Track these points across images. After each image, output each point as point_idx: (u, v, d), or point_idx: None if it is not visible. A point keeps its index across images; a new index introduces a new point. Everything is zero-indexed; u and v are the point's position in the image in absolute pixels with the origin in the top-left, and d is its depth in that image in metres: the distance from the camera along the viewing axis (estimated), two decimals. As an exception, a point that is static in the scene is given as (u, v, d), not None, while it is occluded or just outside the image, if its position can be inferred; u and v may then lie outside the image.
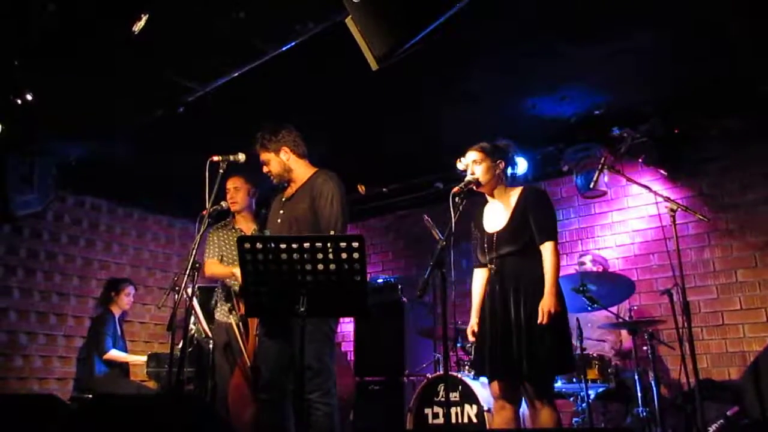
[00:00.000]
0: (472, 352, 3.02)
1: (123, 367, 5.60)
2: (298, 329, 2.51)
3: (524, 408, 3.25)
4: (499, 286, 3.11)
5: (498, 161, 3.24)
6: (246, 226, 4.42)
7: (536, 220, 3.11)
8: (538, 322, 2.89)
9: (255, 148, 3.48)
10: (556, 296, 2.95)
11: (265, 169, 3.50)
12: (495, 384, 3.11)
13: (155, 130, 4.60)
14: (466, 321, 3.39)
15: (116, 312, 5.71)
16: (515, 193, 3.24)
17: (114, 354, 5.46)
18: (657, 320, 4.27)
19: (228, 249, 4.36)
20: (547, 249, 3.04)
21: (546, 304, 2.91)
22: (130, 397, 4.30)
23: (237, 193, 4.36)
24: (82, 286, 6.17)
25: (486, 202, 3.38)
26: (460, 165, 3.36)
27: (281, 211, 3.46)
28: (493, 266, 3.16)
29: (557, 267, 3.01)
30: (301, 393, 2.87)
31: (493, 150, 3.26)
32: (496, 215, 3.27)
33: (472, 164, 3.23)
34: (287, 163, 3.47)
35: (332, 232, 3.18)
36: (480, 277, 3.31)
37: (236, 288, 4.07)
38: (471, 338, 3.28)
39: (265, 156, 3.46)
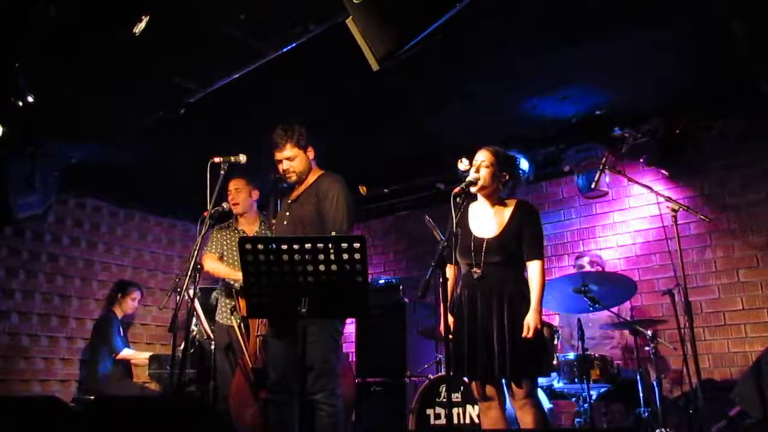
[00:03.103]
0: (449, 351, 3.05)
1: (126, 368, 5.62)
2: (300, 330, 2.52)
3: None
4: (481, 291, 3.14)
5: (504, 173, 3.26)
6: (248, 228, 4.42)
7: (529, 236, 3.18)
8: (523, 335, 3.01)
9: (280, 143, 3.38)
10: (540, 312, 3.09)
11: (287, 164, 3.41)
12: (475, 385, 3.18)
13: (156, 132, 4.60)
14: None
15: (118, 314, 5.72)
16: (510, 205, 3.27)
17: (126, 353, 5.50)
18: (659, 320, 4.26)
19: (229, 249, 4.35)
20: (535, 267, 3.14)
21: (532, 320, 3.02)
22: (132, 398, 4.31)
23: (238, 194, 4.35)
24: (84, 288, 6.18)
25: (472, 201, 3.35)
26: (461, 165, 3.35)
27: (288, 213, 3.45)
28: (477, 271, 3.16)
29: (543, 285, 3.13)
30: (305, 393, 2.88)
31: (504, 160, 3.27)
32: (486, 222, 3.26)
33: (481, 164, 3.22)
34: (310, 162, 3.47)
35: (334, 233, 3.18)
36: (451, 274, 3.30)
37: (237, 287, 4.06)
38: (442, 332, 3.24)
39: (293, 152, 3.40)
